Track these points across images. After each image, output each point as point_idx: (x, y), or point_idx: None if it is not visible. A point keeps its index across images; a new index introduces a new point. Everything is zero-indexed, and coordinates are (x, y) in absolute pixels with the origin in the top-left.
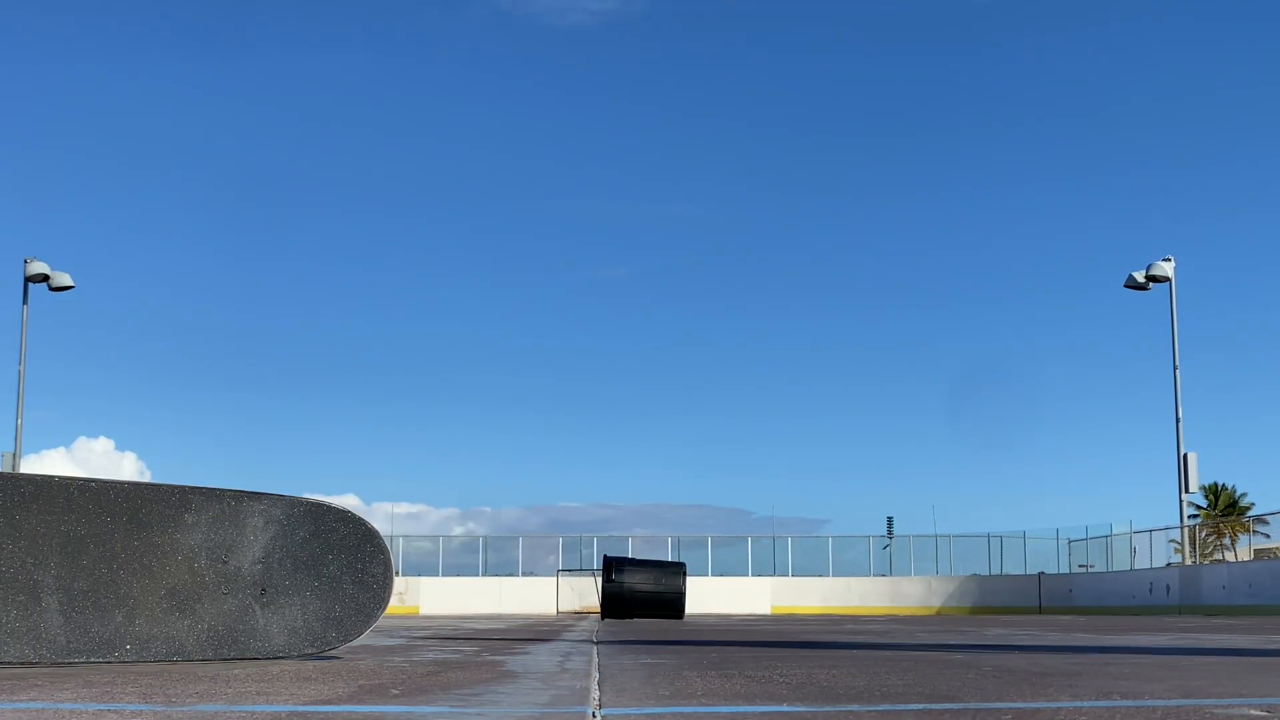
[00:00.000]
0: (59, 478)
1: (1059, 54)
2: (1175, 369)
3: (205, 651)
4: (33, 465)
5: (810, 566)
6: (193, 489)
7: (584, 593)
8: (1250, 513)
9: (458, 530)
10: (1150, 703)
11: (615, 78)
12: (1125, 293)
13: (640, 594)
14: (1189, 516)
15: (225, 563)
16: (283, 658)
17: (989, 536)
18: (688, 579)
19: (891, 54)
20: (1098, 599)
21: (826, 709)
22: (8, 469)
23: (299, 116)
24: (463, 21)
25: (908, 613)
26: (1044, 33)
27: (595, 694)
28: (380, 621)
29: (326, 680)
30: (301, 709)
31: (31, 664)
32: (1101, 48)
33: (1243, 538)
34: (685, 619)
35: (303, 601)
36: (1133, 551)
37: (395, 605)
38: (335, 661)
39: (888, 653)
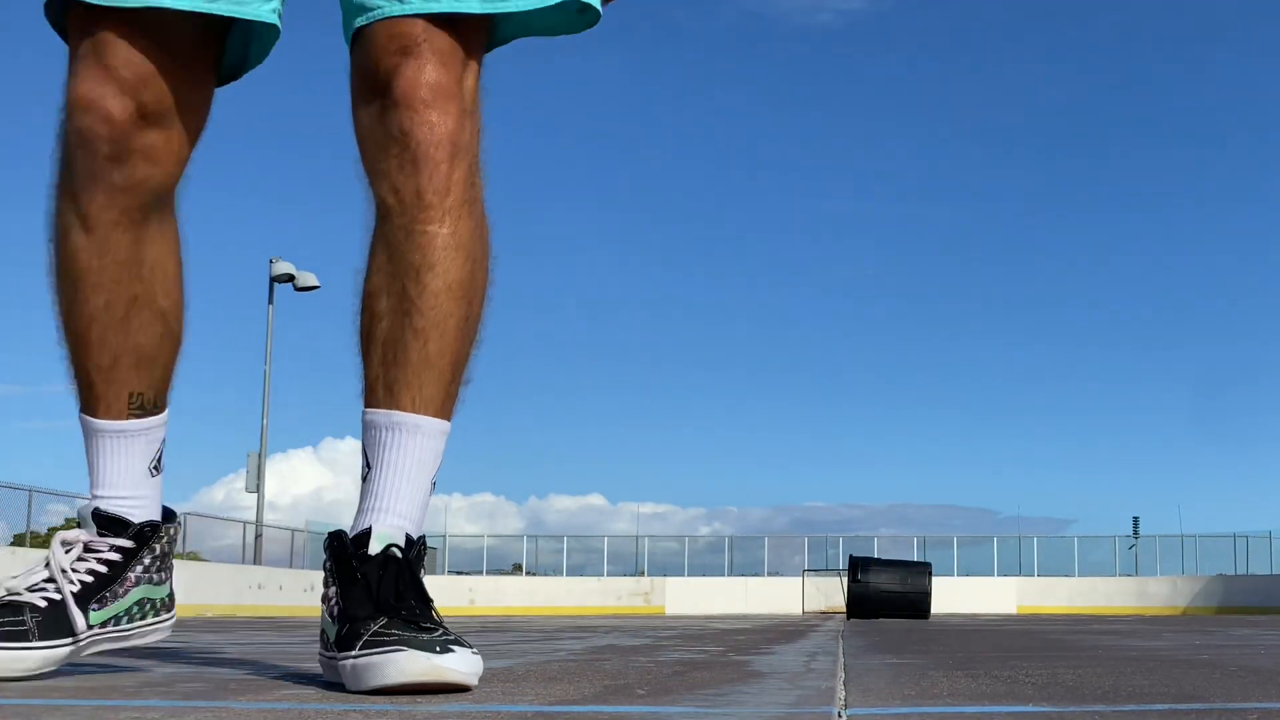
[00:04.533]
0: None
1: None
2: None
3: None
4: (279, 464)
5: (1056, 566)
6: None
7: (829, 593)
8: None
9: (703, 530)
10: None
11: (856, 78)
12: None
13: (886, 594)
14: None
15: None
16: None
17: (1235, 536)
18: (933, 579)
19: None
20: None
21: (1072, 709)
22: (253, 469)
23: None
24: (712, 21)
25: (1153, 613)
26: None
27: (841, 694)
28: (626, 622)
29: (572, 680)
30: (547, 709)
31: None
32: None
33: None
34: (931, 619)
35: None
36: None
37: (640, 605)
38: (581, 662)
39: (1133, 653)
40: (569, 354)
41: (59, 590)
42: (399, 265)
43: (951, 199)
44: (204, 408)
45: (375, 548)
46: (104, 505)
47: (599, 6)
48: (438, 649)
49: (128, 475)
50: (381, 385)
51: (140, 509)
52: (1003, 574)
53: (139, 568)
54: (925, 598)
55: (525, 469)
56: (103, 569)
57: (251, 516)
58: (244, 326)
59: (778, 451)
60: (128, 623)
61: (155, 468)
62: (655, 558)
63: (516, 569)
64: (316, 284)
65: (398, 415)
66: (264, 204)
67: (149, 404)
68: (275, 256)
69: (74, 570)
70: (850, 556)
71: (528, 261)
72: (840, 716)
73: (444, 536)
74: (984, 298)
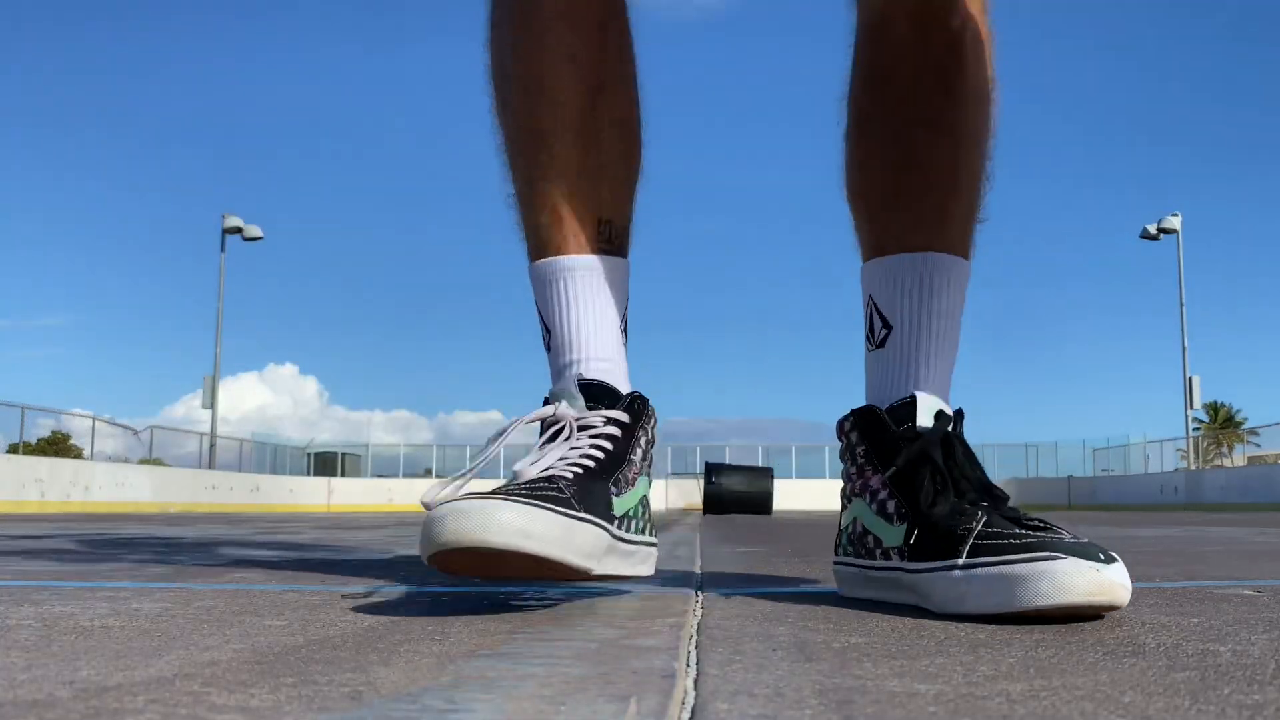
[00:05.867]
0: None
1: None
2: (1181, 306)
3: None
4: (229, 385)
5: None
6: None
7: (689, 492)
8: (1244, 426)
9: None
10: (1161, 584)
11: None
12: (1141, 242)
13: (735, 494)
14: (1193, 429)
15: None
16: None
17: (1026, 445)
18: (775, 481)
19: None
20: (1117, 498)
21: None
22: (208, 389)
23: (436, 106)
24: None
25: None
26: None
27: (699, 576)
28: None
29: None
30: (459, 590)
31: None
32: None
33: (1238, 447)
34: (773, 515)
35: None
36: (1146, 458)
37: None
38: None
39: None
40: (469, 293)
41: (578, 463)
42: (958, 93)
43: (788, 162)
44: (167, 337)
45: (924, 419)
46: (585, 370)
47: None
48: (1101, 557)
49: (605, 333)
50: (925, 224)
51: (622, 380)
52: (833, 477)
53: (639, 450)
54: (768, 497)
55: (435, 389)
56: (608, 446)
57: (207, 429)
58: (200, 270)
59: (649, 373)
60: (635, 530)
61: (624, 330)
62: None
63: (427, 473)
64: (260, 235)
65: (947, 260)
66: (219, 164)
67: (616, 237)
68: (226, 212)
69: (576, 447)
70: (705, 462)
71: (436, 204)
72: (698, 595)
73: (367, 445)
74: (818, 254)
